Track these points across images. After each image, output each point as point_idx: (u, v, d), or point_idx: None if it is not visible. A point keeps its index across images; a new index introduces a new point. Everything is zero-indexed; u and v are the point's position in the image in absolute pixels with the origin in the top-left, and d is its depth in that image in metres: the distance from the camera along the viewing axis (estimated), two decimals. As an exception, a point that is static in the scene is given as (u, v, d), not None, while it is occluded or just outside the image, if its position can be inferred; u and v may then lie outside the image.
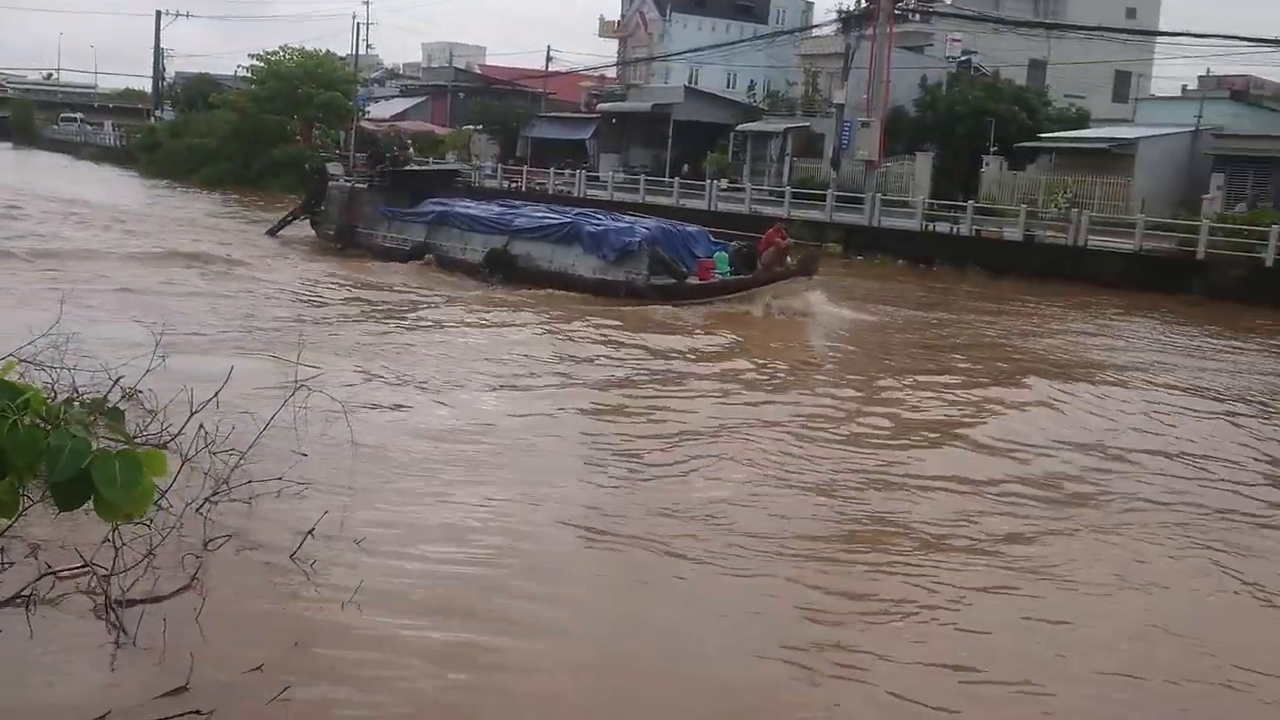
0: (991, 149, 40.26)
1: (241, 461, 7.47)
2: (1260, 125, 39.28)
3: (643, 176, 44.57)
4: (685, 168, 48.40)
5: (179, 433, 7.36)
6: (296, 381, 8.40)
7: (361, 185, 27.09)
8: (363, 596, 6.43)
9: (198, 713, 5.09)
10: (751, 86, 59.41)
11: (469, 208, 24.61)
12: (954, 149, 42.41)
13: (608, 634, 6.52)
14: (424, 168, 33.02)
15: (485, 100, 65.44)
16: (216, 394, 7.48)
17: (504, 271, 21.84)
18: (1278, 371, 17.76)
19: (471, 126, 62.02)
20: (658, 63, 63.52)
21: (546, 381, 13.21)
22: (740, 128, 50.14)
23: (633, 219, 22.35)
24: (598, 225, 21.23)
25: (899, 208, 35.62)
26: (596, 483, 9.24)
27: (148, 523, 6.17)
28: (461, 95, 70.49)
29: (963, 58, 46.72)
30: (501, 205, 25.48)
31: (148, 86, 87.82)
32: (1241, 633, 7.20)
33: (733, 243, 21.22)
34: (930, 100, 44.39)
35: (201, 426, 7.39)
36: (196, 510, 7.06)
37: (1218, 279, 26.59)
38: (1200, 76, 43.49)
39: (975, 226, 32.56)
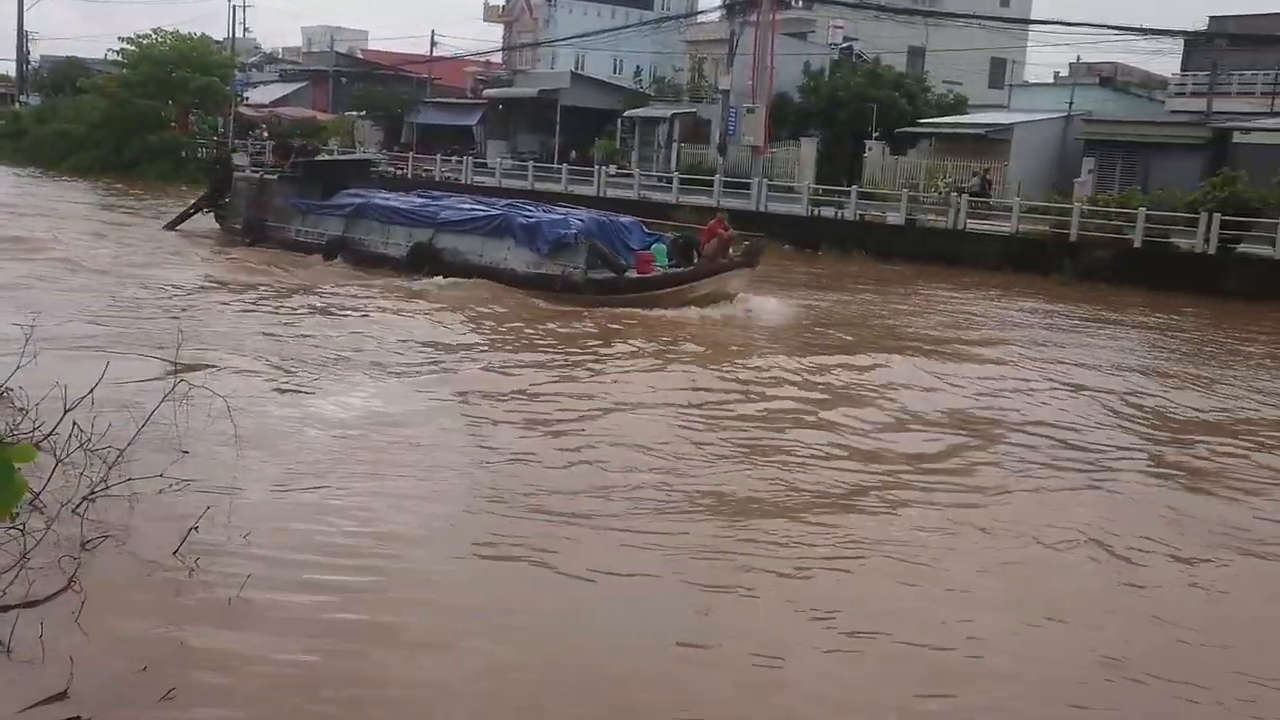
0: (874, 134, 41.09)
1: (120, 459, 7.28)
2: (1128, 110, 40.84)
3: (531, 163, 44.38)
4: (573, 154, 48.34)
5: (52, 431, 7.14)
6: (177, 376, 8.20)
7: (271, 176, 25.96)
8: (249, 592, 6.34)
9: (78, 719, 4.98)
10: (638, 72, 59.58)
11: (389, 199, 23.41)
12: (837, 134, 43.20)
13: (490, 628, 6.52)
14: (338, 158, 31.68)
15: (369, 86, 64.36)
16: (91, 390, 7.27)
17: (430, 266, 20.76)
18: (1142, 348, 18.54)
19: (355, 113, 60.95)
20: (544, 48, 63.21)
21: (450, 374, 13.06)
22: (628, 113, 50.23)
23: (566, 210, 21.53)
24: (530, 217, 20.30)
25: (785, 193, 36.14)
26: (487, 478, 9.22)
27: (20, 527, 5.99)
28: (344, 80, 69.19)
29: (844, 44, 47.53)
30: (424, 197, 24.23)
31: (11, 70, 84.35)
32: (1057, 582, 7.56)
33: (669, 234, 20.78)
34: (814, 86, 45.11)
35: (76, 424, 7.18)
36: (73, 510, 6.86)
37: (1088, 260, 27.62)
38: (1071, 64, 45.15)
39: (859, 211, 33.19)
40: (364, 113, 59.78)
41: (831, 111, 43.17)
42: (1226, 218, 26.82)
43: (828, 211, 33.96)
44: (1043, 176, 37.72)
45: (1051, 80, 47.84)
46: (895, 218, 32.22)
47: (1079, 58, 44.80)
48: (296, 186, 25.16)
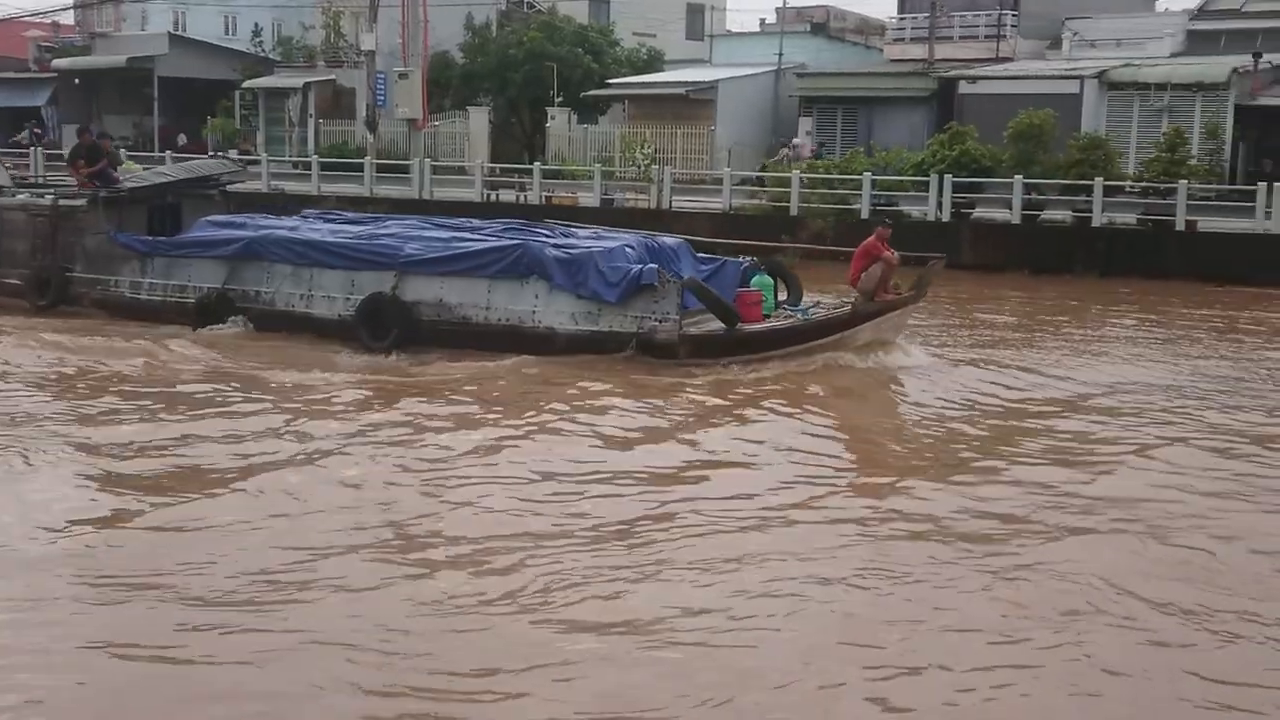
0: (556, 99, 41.72)
1: None
2: (845, 61, 43.41)
3: (122, 150, 42.36)
4: (181, 138, 46.58)
5: None
6: None
7: (77, 203, 20.27)
8: None
9: None
10: (258, 32, 57.90)
11: (299, 228, 18.80)
12: (513, 101, 43.63)
13: None
14: (168, 174, 23.05)
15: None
16: None
17: (399, 331, 16.62)
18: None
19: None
20: (129, 4, 60.59)
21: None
22: (248, 84, 48.89)
23: (600, 231, 18.64)
24: (566, 246, 16.72)
25: (454, 175, 36.23)
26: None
27: None
28: None
29: (513, -10, 48.12)
30: (353, 221, 19.91)
31: None
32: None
33: (743, 258, 17.88)
34: (479, 44, 45.34)
35: None
36: None
37: (811, 238, 29.14)
38: (778, 8, 47.43)
39: (545, 192, 33.67)
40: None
41: (504, 74, 43.53)
42: (958, 179, 29.00)
43: (507, 195, 34.29)
44: (756, 140, 39.50)
45: (758, 28, 50.18)
46: (589, 198, 32.86)
47: (785, 2, 47.23)
48: (116, 216, 20.30)
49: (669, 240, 18.02)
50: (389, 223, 19.58)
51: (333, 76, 47.69)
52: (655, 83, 42.07)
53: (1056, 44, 39.20)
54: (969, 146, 30.64)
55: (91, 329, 18.24)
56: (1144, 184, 29.30)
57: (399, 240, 17.54)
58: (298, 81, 47.64)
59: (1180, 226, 26.94)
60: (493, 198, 33.97)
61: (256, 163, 39.55)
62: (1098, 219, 27.80)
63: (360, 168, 36.13)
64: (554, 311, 16.17)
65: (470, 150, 40.42)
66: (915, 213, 29.40)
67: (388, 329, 16.66)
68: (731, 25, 55.01)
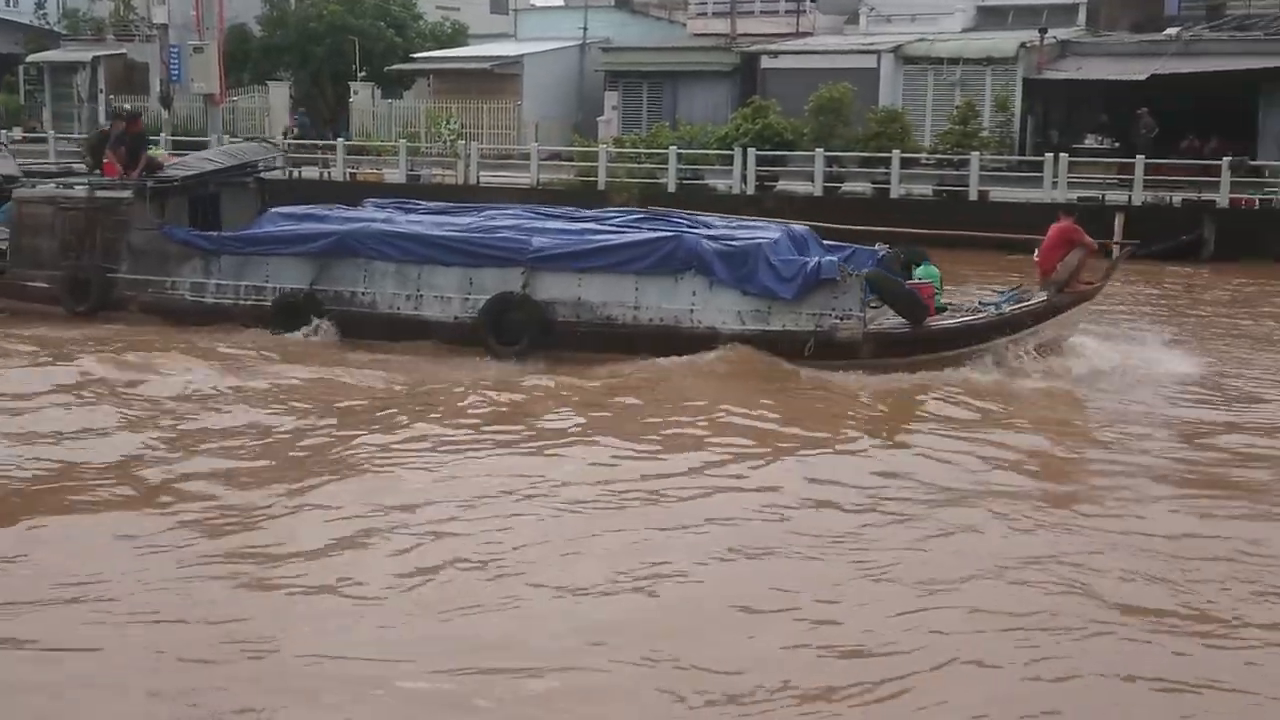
0: (359, 74, 41.16)
1: None
2: (649, 36, 43.65)
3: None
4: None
5: None
6: None
7: (120, 195, 17.76)
8: None
9: None
10: (41, 4, 55.68)
11: (394, 220, 16.93)
12: (315, 76, 42.92)
13: None
14: (214, 160, 20.06)
15: None
16: None
17: (530, 336, 15.17)
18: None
19: None
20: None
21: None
22: (32, 59, 47.06)
23: (744, 221, 17.53)
24: (723, 239, 15.46)
25: (254, 152, 35.37)
26: None
27: None
28: None
29: (312, -37, 47.17)
30: (440, 212, 17.98)
31: None
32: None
33: (880, 247, 16.55)
34: (278, 16, 44.44)
35: None
36: None
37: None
38: (582, -17, 47.40)
39: (350, 169, 33.24)
40: None
41: (304, 47, 42.73)
42: (761, 153, 29.52)
43: (310, 172, 33.75)
44: (563, 115, 39.51)
45: (563, 3, 50.12)
46: (395, 175, 32.58)
47: (590, -25, 47.30)
48: (163, 209, 18.06)
49: (798, 228, 16.83)
50: (490, 213, 17.60)
51: (123, 50, 46.16)
52: (460, 57, 41.77)
53: (854, 19, 40.05)
54: (771, 120, 31.19)
55: (158, 336, 16.31)
56: (939, 156, 30.24)
57: (523, 233, 15.83)
58: (86, 55, 45.99)
59: (974, 197, 27.91)
60: (294, 174, 33.28)
61: (44, 139, 38.07)
62: (895, 191, 28.62)
63: (155, 144, 34.98)
64: (715, 310, 14.82)
65: (271, 126, 39.57)
66: (720, 186, 29.85)
67: (518, 332, 15.12)
68: (536, 0, 54.85)
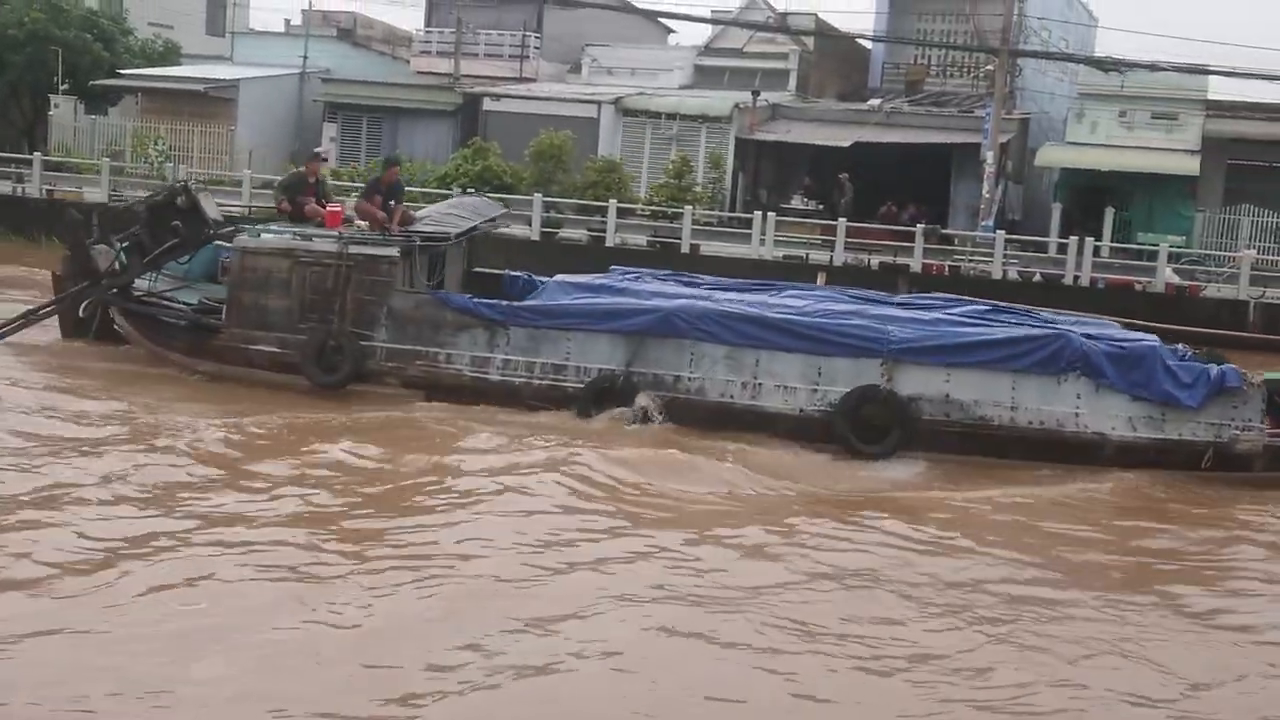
0: (61, 86, 39.38)
1: None
2: (371, 69, 43.28)
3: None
4: None
5: None
6: None
7: (382, 253, 15.37)
8: None
9: None
10: None
11: (715, 298, 15.64)
12: (12, 86, 40.77)
13: None
14: (465, 215, 17.74)
15: None
16: None
17: (899, 434, 13.96)
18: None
19: None
20: None
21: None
22: None
23: (1078, 318, 16.36)
24: (1114, 337, 14.77)
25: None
26: None
27: None
28: None
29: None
30: (747, 287, 16.86)
31: None
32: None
33: (1180, 347, 15.22)
34: (-26, 20, 42.08)
35: None
36: None
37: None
38: (303, 10, 46.74)
39: (46, 185, 31.87)
40: None
41: (1, 54, 40.55)
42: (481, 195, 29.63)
43: (4, 187, 32.23)
44: (280, 143, 38.69)
45: (283, 29, 49.21)
46: (96, 193, 31.36)
47: (311, 4, 46.60)
48: (424, 270, 16.07)
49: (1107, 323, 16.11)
50: (791, 292, 16.52)
51: None
52: (173, 76, 40.40)
53: (577, 69, 40.83)
54: (492, 163, 31.39)
55: (450, 416, 14.36)
56: (654, 208, 30.99)
57: (878, 320, 14.74)
58: None
59: (685, 249, 28.64)
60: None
61: None
62: (611, 239, 29.11)
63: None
64: (1103, 415, 13.83)
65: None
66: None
67: (882, 429, 13.88)
68: (255, 23, 53.55)
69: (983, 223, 30.42)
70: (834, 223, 28.79)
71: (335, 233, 15.54)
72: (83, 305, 16.23)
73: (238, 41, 47.16)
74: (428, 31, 43.42)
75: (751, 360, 14.35)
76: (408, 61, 44.14)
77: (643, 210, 31.09)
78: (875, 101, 36.46)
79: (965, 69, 38.46)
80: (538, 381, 14.76)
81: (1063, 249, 27.57)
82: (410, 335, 15.14)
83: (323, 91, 39.65)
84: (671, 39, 48.03)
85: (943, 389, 13.96)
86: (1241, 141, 32.87)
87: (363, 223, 15.87)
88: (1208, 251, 29.81)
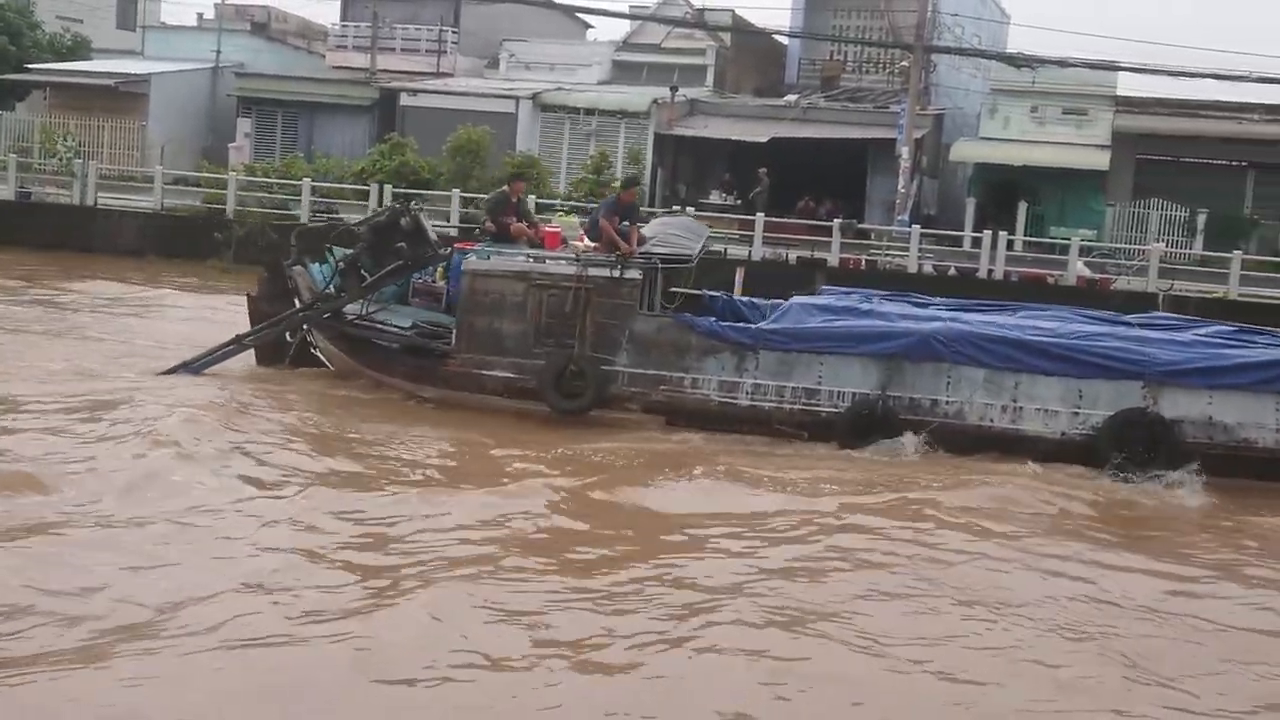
0: (-37, 80, 38.68)
1: None
2: (285, 64, 42.81)
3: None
4: None
5: None
6: None
7: (627, 276, 14.96)
8: None
9: None
10: None
11: (958, 319, 15.20)
12: (-86, 79, 39.96)
13: None
14: (687, 236, 16.93)
15: None
16: None
17: (1161, 457, 13.68)
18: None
19: None
20: None
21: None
22: None
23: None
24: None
25: None
26: None
27: None
28: None
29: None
30: (983, 307, 16.51)
31: None
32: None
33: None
34: (-127, 13, 41.08)
35: None
36: None
37: (248, 241, 28.59)
38: (216, 4, 46.05)
39: (-50, 182, 31.19)
40: None
41: (-99, 48, 39.69)
42: (398, 190, 29.40)
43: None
44: (192, 138, 38.22)
45: (195, 23, 48.54)
46: (3, 190, 30.83)
47: (224, -2, 46.01)
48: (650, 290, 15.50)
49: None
50: (1028, 311, 16.14)
51: None
52: (82, 71, 39.72)
53: (495, 64, 40.65)
54: (409, 158, 31.20)
55: (708, 447, 13.91)
56: (573, 203, 30.91)
57: (1137, 342, 14.49)
58: None
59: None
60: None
61: None
62: (530, 234, 29.01)
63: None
64: None
65: None
66: (354, 220, 29.47)
67: (1144, 452, 13.64)
68: (167, 17, 52.78)
69: (898, 217, 30.70)
70: (752, 218, 28.94)
71: (569, 254, 15.21)
72: (290, 330, 15.80)
73: (149, 36, 46.43)
74: (343, 26, 43.06)
75: (1011, 383, 14.18)
76: (323, 56, 43.72)
77: (561, 206, 31.01)
78: (792, 97, 36.63)
79: (880, 65, 38.72)
80: (789, 406, 14.44)
81: (977, 243, 27.84)
82: (654, 360, 14.81)
83: (237, 86, 39.22)
84: (590, 34, 47.97)
85: (1205, 411, 13.87)
86: (1150, 137, 33.39)
87: (579, 244, 15.54)
88: (1118, 245, 30.21)
